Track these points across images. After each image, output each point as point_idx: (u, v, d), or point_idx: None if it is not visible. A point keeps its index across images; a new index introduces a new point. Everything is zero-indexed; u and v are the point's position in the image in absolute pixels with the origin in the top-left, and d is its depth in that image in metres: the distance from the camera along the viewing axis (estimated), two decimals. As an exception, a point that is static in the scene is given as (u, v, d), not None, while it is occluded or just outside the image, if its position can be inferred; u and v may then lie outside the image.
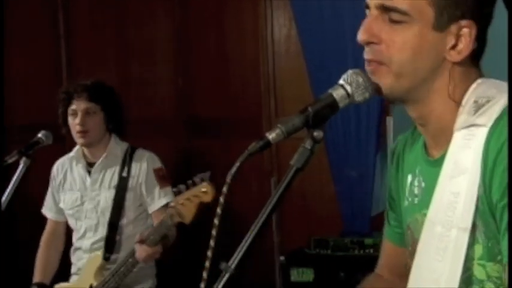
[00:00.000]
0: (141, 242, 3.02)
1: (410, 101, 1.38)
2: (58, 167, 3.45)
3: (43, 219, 3.53)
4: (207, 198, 2.86)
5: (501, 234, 1.27)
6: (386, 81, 1.35)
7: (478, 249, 1.32)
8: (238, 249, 1.28)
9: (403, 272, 1.56)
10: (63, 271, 3.46)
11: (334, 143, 4.01)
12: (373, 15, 1.35)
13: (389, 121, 3.69)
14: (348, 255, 3.75)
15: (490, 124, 1.30)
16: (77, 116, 3.26)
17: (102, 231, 3.30)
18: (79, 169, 3.38)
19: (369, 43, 1.35)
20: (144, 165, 3.31)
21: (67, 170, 3.42)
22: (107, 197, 3.31)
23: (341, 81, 1.35)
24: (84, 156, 3.38)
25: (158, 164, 3.35)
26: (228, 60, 4.63)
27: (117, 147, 3.36)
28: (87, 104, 3.27)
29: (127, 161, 3.32)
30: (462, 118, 1.34)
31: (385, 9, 1.33)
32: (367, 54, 1.37)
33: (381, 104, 3.83)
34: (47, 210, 3.49)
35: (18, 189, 2.80)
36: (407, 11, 1.32)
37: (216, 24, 4.65)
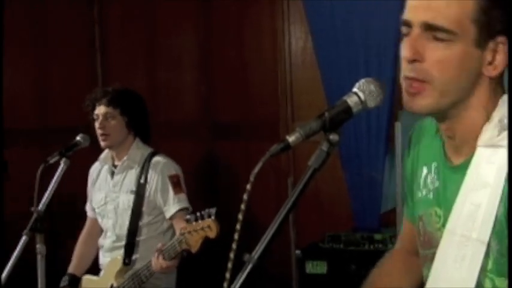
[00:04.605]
0: (158, 254, 2.94)
1: (447, 117, 1.35)
2: (93, 169, 3.43)
3: (78, 216, 3.56)
4: (211, 234, 2.80)
5: None
6: (430, 101, 1.31)
7: (490, 263, 1.30)
8: (260, 242, 1.28)
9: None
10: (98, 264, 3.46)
11: (347, 146, 4.01)
12: (416, 33, 1.30)
13: (398, 126, 3.69)
14: (358, 249, 3.75)
15: None
16: (98, 120, 3.24)
17: (119, 232, 3.25)
18: (105, 171, 3.35)
19: (413, 61, 1.30)
20: (159, 173, 3.20)
21: (99, 170, 3.39)
22: (124, 200, 3.25)
23: (355, 89, 1.35)
24: (111, 158, 3.34)
25: (173, 171, 3.24)
26: (248, 69, 4.65)
27: (137, 151, 3.28)
28: (106, 109, 3.22)
29: (145, 167, 3.23)
30: (487, 135, 1.31)
31: (430, 27, 1.29)
32: (409, 72, 1.32)
33: (389, 110, 3.84)
34: (87, 208, 3.48)
35: (59, 188, 2.82)
36: (453, 30, 1.28)
37: (237, 36, 4.67)
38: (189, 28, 4.86)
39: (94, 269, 3.44)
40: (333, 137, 1.32)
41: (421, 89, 1.31)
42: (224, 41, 4.71)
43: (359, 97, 1.34)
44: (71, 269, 3.40)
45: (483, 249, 1.28)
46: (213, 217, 2.81)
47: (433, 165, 1.44)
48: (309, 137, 1.32)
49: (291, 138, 1.30)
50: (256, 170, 1.29)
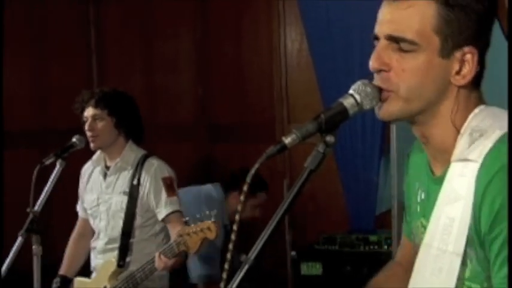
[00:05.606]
0: (160, 253, 2.94)
1: (416, 122, 1.38)
2: (85, 169, 3.41)
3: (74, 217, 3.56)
4: (211, 235, 2.83)
5: (491, 264, 1.27)
6: (395, 107, 1.35)
7: (467, 271, 1.32)
8: (256, 243, 1.28)
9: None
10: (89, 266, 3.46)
11: (342, 148, 4.01)
12: (383, 45, 1.34)
13: (393, 128, 3.68)
14: (354, 251, 3.75)
15: (480, 160, 1.29)
16: (87, 122, 3.20)
17: (111, 233, 3.23)
18: (98, 172, 3.33)
19: (379, 71, 1.35)
20: (152, 174, 3.18)
21: (91, 172, 3.37)
22: (117, 201, 3.23)
23: (351, 91, 1.35)
24: (104, 159, 3.31)
25: (166, 173, 3.21)
26: (245, 71, 4.66)
27: (131, 153, 3.25)
28: (94, 110, 3.19)
29: (138, 168, 3.21)
30: (458, 150, 1.33)
31: (394, 39, 1.33)
32: (376, 82, 1.36)
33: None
34: (79, 208, 3.47)
35: (55, 188, 2.82)
36: (415, 41, 1.31)
37: (234, 39, 4.68)
38: (186, 30, 4.86)
39: (85, 271, 3.42)
40: (329, 138, 1.32)
41: (387, 96, 1.34)
42: (221, 44, 4.71)
43: (355, 99, 1.34)
44: (62, 270, 3.37)
45: (458, 261, 1.30)
46: (213, 218, 2.82)
47: (422, 179, 1.47)
48: (305, 139, 1.31)
49: (287, 140, 1.30)
50: (252, 171, 1.29)
